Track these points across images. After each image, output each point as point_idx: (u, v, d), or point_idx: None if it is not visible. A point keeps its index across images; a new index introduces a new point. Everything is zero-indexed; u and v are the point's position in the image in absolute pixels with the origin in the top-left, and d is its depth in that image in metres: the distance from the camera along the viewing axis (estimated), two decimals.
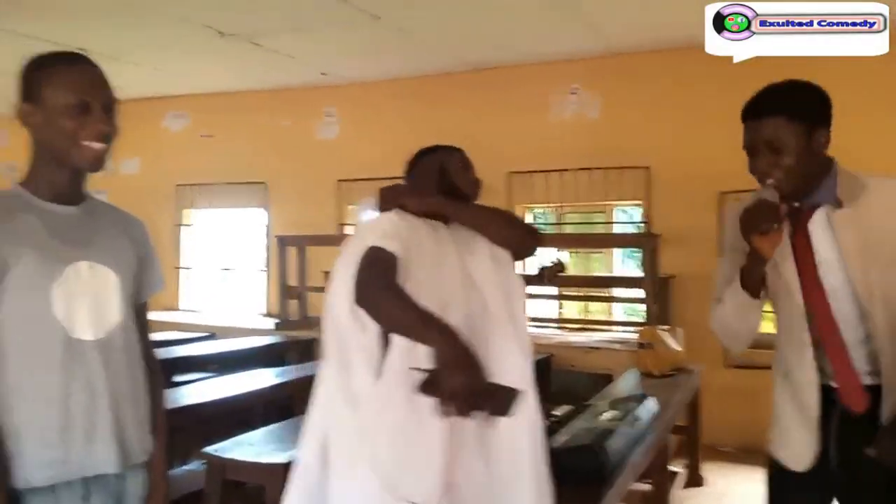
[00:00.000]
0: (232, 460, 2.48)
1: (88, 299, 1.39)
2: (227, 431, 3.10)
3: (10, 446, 1.31)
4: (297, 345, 5.57)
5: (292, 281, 6.07)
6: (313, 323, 5.94)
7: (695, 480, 4.06)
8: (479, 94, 5.85)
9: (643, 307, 4.99)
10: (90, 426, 1.37)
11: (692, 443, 4.08)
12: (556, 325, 5.82)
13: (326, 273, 5.55)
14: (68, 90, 1.36)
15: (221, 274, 7.14)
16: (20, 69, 1.41)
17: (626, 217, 5.86)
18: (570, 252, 5.97)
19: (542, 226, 6.21)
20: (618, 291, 5.74)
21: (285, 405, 4.06)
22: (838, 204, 1.59)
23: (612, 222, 5.81)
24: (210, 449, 2.55)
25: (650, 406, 2.63)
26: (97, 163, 1.40)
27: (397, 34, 4.96)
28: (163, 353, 4.75)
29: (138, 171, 7.03)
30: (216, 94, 6.75)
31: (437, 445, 1.40)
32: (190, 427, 3.65)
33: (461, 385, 1.25)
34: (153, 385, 1.56)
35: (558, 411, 2.70)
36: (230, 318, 6.59)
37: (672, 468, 3.77)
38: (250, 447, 2.62)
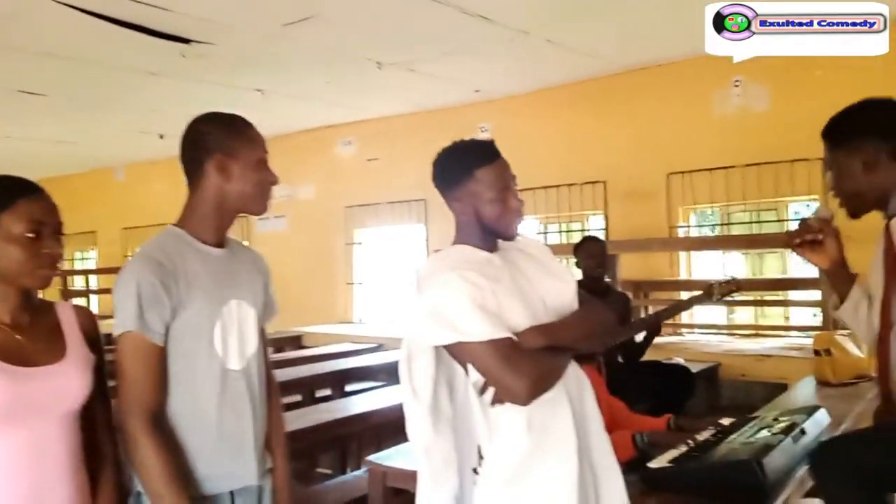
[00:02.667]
0: (392, 468, 2.60)
1: (236, 333, 1.55)
2: (399, 439, 3.24)
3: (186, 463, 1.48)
4: None
5: None
6: None
7: None
8: (634, 94, 5.73)
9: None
10: (238, 446, 1.54)
11: None
12: (725, 331, 5.52)
13: None
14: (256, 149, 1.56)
15: (387, 288, 7.52)
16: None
17: (805, 214, 5.44)
18: (742, 252, 5.65)
19: (709, 227, 5.93)
20: (794, 294, 5.32)
21: None
22: None
23: (787, 220, 5.42)
24: (373, 457, 2.69)
25: (820, 418, 2.43)
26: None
27: (547, 46, 4.99)
28: (336, 365, 5.10)
29: (313, 195, 7.62)
30: (378, 119, 7.16)
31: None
32: (361, 434, 3.88)
33: None
34: (273, 401, 1.69)
35: (725, 422, 2.58)
36: (396, 329, 6.92)
37: None
38: (412, 456, 2.74)
